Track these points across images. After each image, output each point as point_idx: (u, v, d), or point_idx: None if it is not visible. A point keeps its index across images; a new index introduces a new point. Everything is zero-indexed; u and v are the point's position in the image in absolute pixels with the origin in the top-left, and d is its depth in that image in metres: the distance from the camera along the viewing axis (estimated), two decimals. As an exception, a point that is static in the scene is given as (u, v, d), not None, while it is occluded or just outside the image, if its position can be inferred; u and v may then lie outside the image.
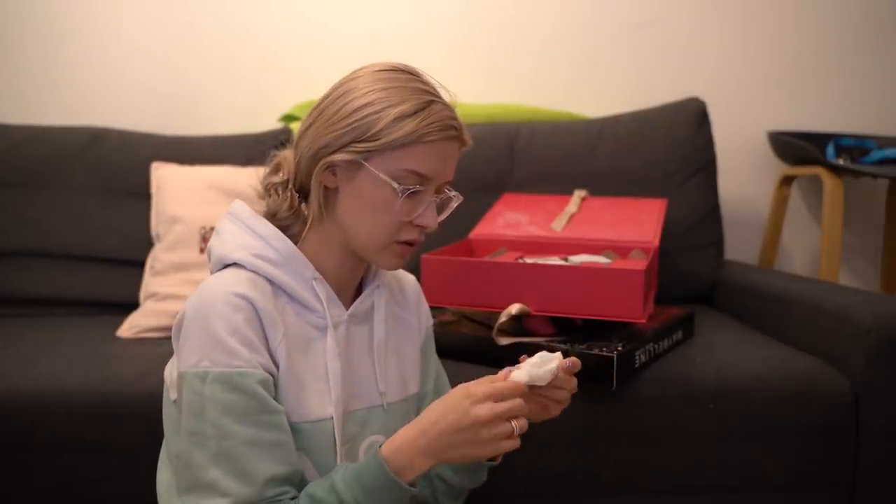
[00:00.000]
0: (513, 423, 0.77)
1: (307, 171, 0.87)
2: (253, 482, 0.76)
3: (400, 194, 0.83)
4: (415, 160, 0.83)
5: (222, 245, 0.88)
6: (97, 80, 2.05)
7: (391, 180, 0.83)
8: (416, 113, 0.82)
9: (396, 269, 0.90)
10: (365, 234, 0.86)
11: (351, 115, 0.83)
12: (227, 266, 0.87)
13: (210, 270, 0.90)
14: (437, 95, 0.86)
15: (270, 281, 0.86)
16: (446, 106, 0.86)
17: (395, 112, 0.82)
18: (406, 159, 0.83)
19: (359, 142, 0.83)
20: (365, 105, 0.83)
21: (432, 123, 0.83)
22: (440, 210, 0.90)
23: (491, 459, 0.95)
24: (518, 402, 0.78)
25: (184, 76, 2.06)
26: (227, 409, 0.77)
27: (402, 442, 0.78)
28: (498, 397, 0.78)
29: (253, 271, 0.85)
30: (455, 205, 0.92)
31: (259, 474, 0.77)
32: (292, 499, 0.79)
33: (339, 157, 0.83)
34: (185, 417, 0.79)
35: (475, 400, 0.76)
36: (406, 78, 0.86)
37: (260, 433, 0.78)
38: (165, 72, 2.06)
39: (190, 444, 0.79)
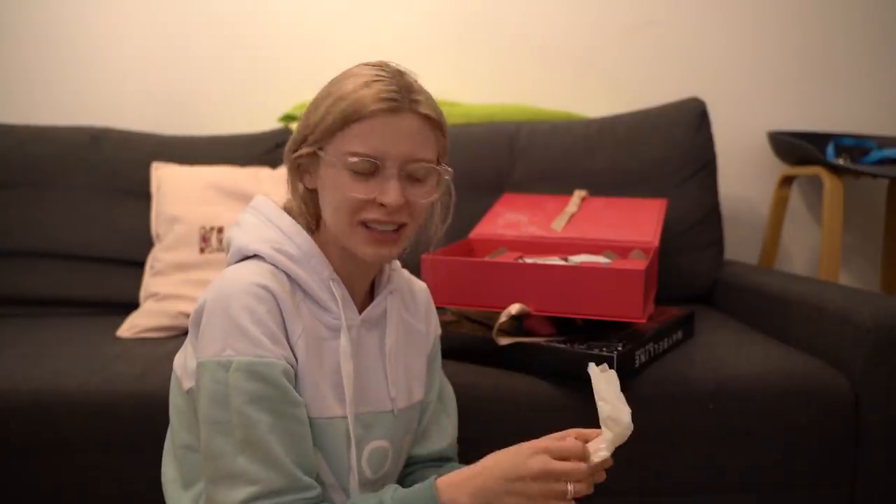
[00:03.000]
0: (569, 486, 0.76)
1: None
2: (281, 469, 0.77)
3: (351, 177, 0.83)
4: (355, 140, 0.83)
5: (243, 236, 0.88)
6: (97, 80, 2.05)
7: (339, 163, 0.83)
8: (351, 92, 0.83)
9: (375, 258, 0.87)
10: (332, 220, 0.87)
11: (308, 112, 0.86)
12: (246, 258, 0.87)
13: (227, 261, 0.90)
14: (391, 77, 0.84)
15: (288, 276, 0.86)
16: (393, 82, 0.84)
17: (333, 97, 0.84)
18: (348, 140, 0.83)
19: (310, 135, 0.85)
20: (316, 99, 0.86)
21: (364, 99, 0.82)
22: (417, 184, 0.86)
23: None
24: (578, 465, 0.77)
25: (184, 76, 2.06)
26: (251, 397, 0.77)
27: (459, 478, 0.79)
28: (556, 454, 0.76)
29: (272, 265, 0.85)
30: (447, 178, 0.89)
31: (286, 461, 0.77)
32: (322, 502, 0.80)
33: (299, 152, 0.86)
34: (207, 406, 0.79)
35: (533, 451, 0.76)
36: (360, 67, 0.87)
37: (284, 423, 0.79)
38: (166, 72, 2.06)
39: (213, 433, 0.78)
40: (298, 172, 0.89)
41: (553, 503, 0.76)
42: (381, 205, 0.84)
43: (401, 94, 0.83)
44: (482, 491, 0.77)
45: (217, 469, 0.78)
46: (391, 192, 0.84)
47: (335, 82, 0.86)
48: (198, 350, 0.82)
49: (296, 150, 0.87)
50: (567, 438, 0.79)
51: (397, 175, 0.84)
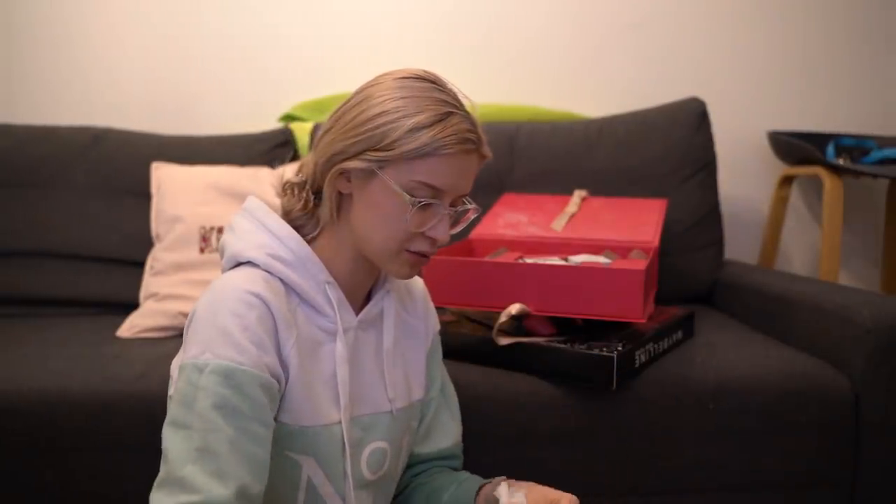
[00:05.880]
0: None
1: (322, 175, 0.86)
2: (227, 484, 0.73)
3: (411, 206, 0.82)
4: (428, 172, 0.82)
5: (237, 242, 0.87)
6: (98, 81, 2.05)
7: (403, 192, 0.82)
8: (432, 125, 0.81)
9: (409, 278, 0.89)
10: (375, 242, 0.85)
11: (367, 122, 0.82)
12: (240, 264, 0.86)
13: (222, 267, 0.89)
14: (458, 106, 0.84)
15: (283, 282, 0.85)
16: (466, 118, 0.84)
17: (410, 122, 0.81)
18: (419, 171, 0.82)
19: (373, 150, 0.82)
20: (381, 113, 0.82)
21: (448, 136, 0.81)
22: (456, 221, 0.89)
23: None
24: None
25: (184, 76, 2.06)
26: (218, 402, 0.75)
27: None
28: None
29: (266, 271, 0.84)
30: (472, 217, 0.91)
31: (235, 478, 0.73)
32: None
33: (352, 164, 0.83)
34: (174, 406, 0.77)
35: None
36: (426, 87, 0.84)
37: (243, 439, 0.75)
38: (166, 72, 2.06)
39: (173, 434, 0.75)
40: (341, 179, 0.86)
41: None
42: (429, 238, 0.85)
43: (476, 134, 0.85)
44: None
45: (166, 472, 0.74)
46: (444, 230, 0.85)
47: (395, 99, 0.82)
48: (183, 355, 0.81)
49: (347, 159, 0.83)
50: None
51: (449, 211, 0.85)
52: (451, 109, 0.83)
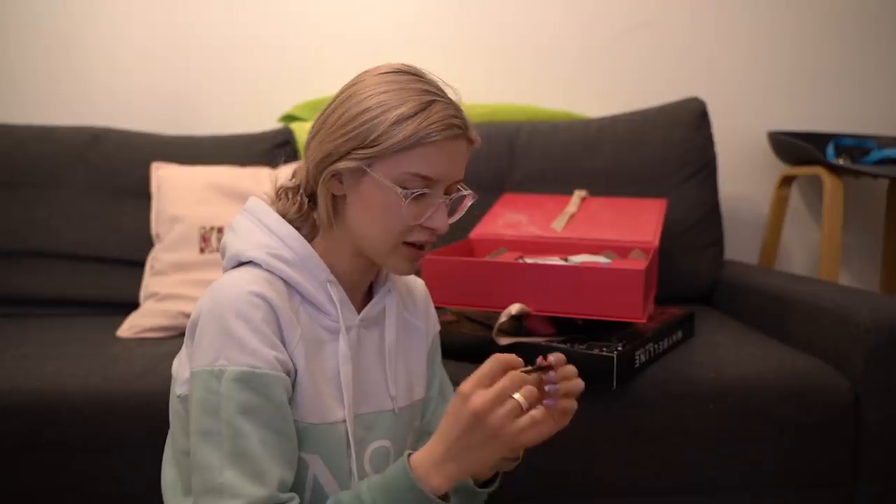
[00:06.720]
0: (516, 397, 0.73)
1: (315, 179, 0.86)
2: (266, 482, 0.76)
3: (405, 199, 0.82)
4: (418, 163, 0.82)
5: (238, 242, 0.87)
6: (98, 81, 2.05)
7: (395, 185, 0.82)
8: (415, 114, 0.81)
9: (408, 273, 0.89)
10: (373, 239, 0.85)
11: (351, 121, 0.82)
12: (241, 264, 0.86)
13: (223, 267, 0.89)
14: (441, 94, 0.85)
15: (285, 281, 0.85)
16: (450, 104, 0.84)
17: (393, 115, 0.81)
18: (408, 162, 0.82)
19: (360, 148, 0.82)
20: (364, 111, 0.82)
21: (433, 123, 0.81)
22: (453, 209, 0.89)
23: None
24: (509, 376, 0.74)
25: (184, 76, 2.06)
26: (242, 407, 0.76)
27: (426, 450, 0.78)
28: (484, 381, 0.75)
29: (268, 270, 0.84)
30: (469, 203, 0.91)
31: (272, 475, 0.76)
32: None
33: (342, 165, 0.83)
34: (198, 416, 0.78)
35: (464, 396, 0.75)
36: (407, 79, 0.84)
37: (273, 436, 0.78)
38: (166, 72, 2.06)
39: (203, 444, 0.77)
40: (333, 181, 0.86)
41: (517, 423, 0.73)
42: (428, 228, 0.85)
43: (461, 119, 0.85)
44: (451, 454, 0.76)
45: (204, 482, 0.77)
46: (442, 219, 0.85)
47: (376, 95, 0.82)
48: (192, 360, 0.82)
49: (336, 161, 0.83)
50: (485, 365, 0.77)
51: (444, 199, 0.85)
52: (433, 98, 0.83)
